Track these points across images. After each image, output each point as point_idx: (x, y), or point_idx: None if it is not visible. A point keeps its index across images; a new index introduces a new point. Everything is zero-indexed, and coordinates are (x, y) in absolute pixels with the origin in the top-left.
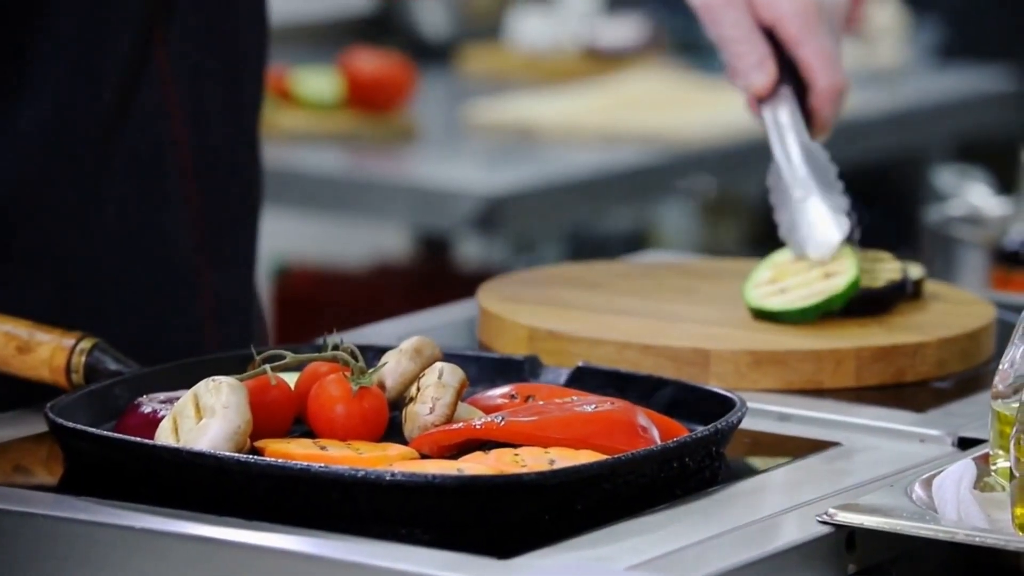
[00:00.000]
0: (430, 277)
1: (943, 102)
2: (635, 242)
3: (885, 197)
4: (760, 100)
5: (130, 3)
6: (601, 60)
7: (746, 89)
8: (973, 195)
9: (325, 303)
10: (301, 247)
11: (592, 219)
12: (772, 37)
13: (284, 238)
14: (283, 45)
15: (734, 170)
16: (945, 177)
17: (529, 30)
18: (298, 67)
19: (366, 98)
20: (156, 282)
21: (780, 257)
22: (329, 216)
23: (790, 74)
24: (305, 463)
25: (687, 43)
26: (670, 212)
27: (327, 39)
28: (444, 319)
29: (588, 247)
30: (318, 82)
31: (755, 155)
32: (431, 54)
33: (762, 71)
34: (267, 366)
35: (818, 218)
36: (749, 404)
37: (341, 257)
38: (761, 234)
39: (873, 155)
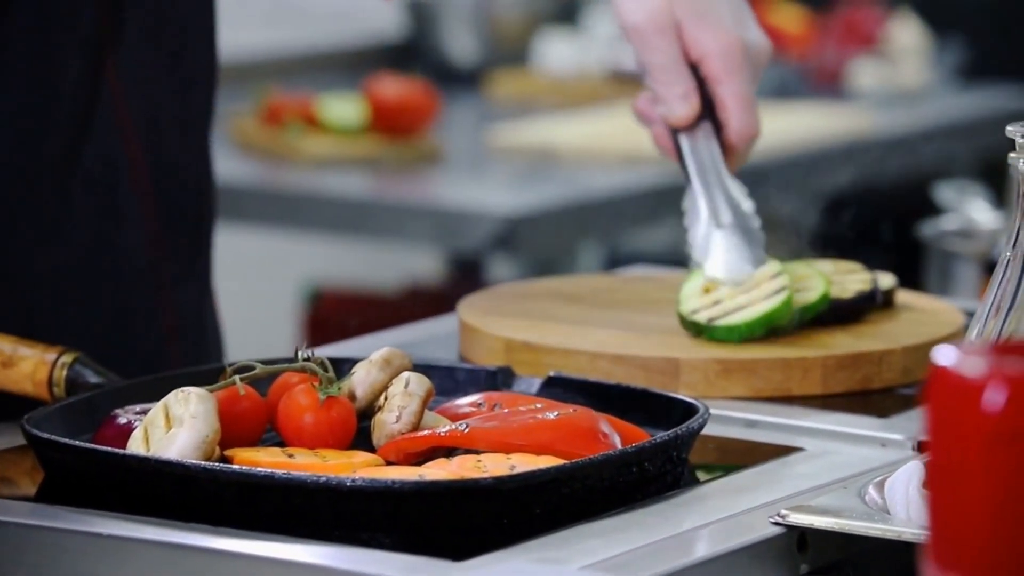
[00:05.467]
0: (460, 297)
1: (966, 122)
2: (670, 262)
3: (907, 215)
4: (677, 131)
5: (79, 27)
6: (625, 83)
7: (666, 118)
8: (973, 210)
9: (359, 325)
10: (331, 270)
11: (611, 239)
12: (696, 72)
13: (314, 262)
14: (311, 72)
15: (756, 189)
16: (946, 193)
17: (555, 55)
18: (324, 94)
19: (390, 123)
20: (118, 300)
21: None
22: (356, 239)
23: (708, 111)
24: (269, 470)
25: None
26: None
27: (357, 66)
28: (429, 332)
29: (623, 265)
30: (343, 108)
31: (776, 174)
32: (460, 80)
33: (686, 103)
34: (236, 377)
35: (733, 247)
36: (717, 411)
37: (371, 279)
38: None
39: (896, 174)
